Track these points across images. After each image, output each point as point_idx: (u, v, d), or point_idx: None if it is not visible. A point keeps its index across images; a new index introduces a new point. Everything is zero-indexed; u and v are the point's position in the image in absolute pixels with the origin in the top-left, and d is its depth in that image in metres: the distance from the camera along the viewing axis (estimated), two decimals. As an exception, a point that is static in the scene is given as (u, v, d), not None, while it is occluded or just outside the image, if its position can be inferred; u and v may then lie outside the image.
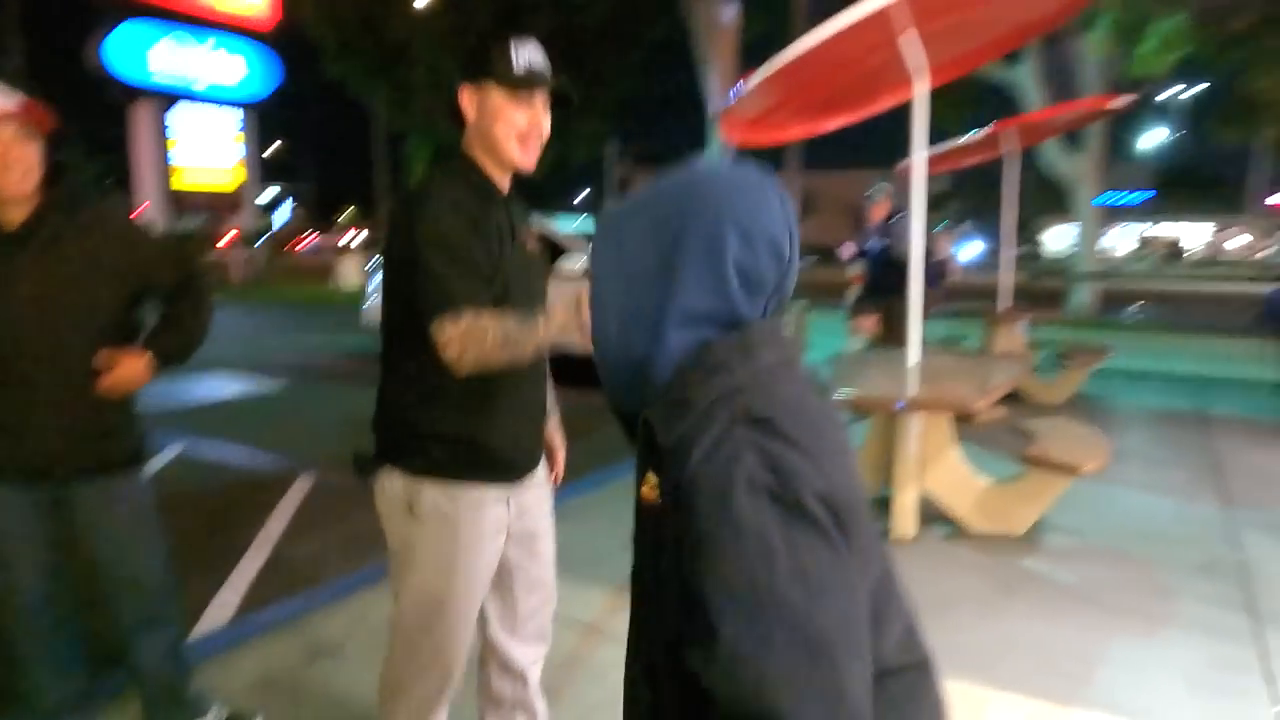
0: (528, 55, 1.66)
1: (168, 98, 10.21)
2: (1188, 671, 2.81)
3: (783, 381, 0.88)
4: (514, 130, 1.67)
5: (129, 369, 2.02)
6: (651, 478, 0.88)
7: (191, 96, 11.45)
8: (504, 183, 1.76)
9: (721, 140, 14.92)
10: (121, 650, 2.22)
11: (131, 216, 2.39)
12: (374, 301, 9.41)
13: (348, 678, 2.75)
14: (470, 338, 1.53)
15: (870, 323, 7.11)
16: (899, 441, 3.91)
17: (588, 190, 58.13)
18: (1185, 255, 47.47)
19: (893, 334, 6.95)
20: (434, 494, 1.73)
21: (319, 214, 65.11)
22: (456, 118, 1.74)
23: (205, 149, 19.70)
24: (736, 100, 3.77)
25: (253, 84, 20.70)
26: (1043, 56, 14.32)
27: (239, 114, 20.92)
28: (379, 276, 7.52)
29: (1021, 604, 3.32)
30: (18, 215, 1.96)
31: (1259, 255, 45.79)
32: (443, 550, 1.75)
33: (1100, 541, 4.02)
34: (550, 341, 1.62)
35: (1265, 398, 7.66)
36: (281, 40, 20.70)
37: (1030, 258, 34.84)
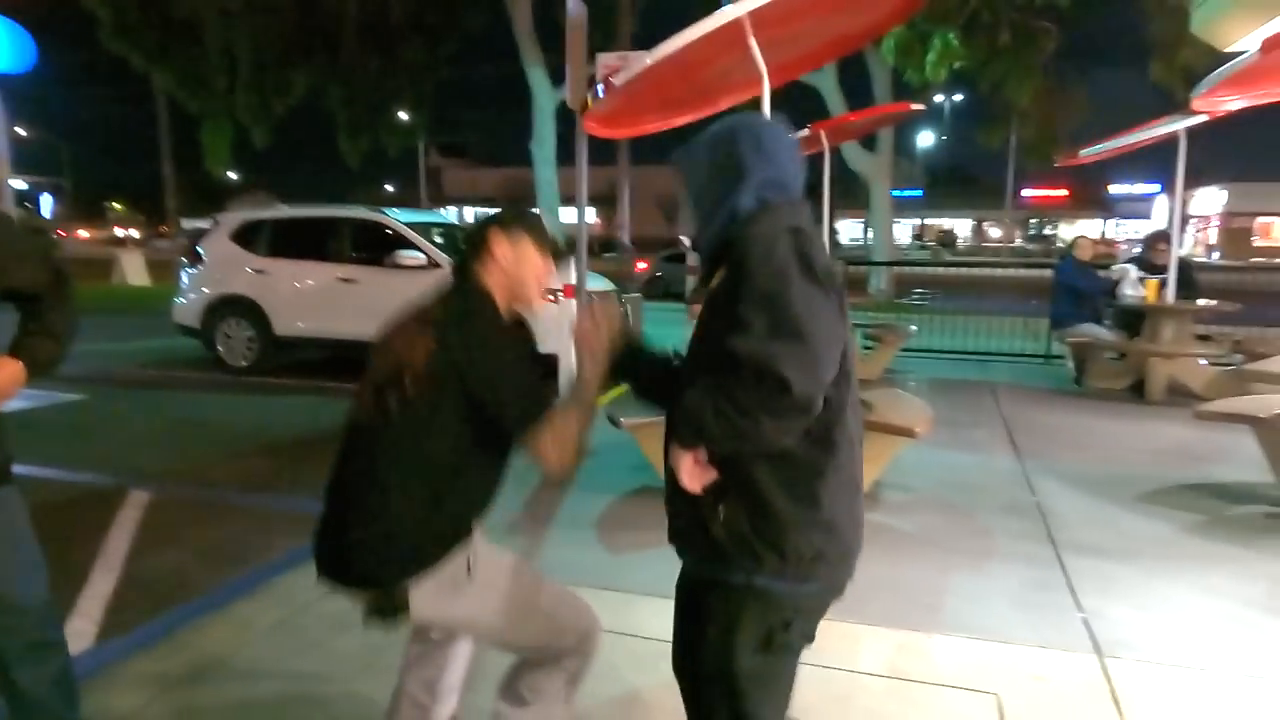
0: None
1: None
2: (1012, 593, 3.33)
3: (809, 224, 1.50)
4: (542, 281, 1.90)
5: (1, 378, 1.86)
6: (719, 273, 1.53)
7: None
8: None
9: (550, 132, 15.01)
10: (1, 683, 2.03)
11: None
12: (189, 299, 8.69)
13: (241, 689, 2.65)
14: (555, 438, 1.75)
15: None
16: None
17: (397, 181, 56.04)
18: (956, 242, 53.32)
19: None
20: (478, 548, 1.83)
21: (85, 207, 58.15)
22: (476, 250, 1.86)
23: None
24: (600, 98, 3.92)
25: (2, 61, 18.17)
26: (841, 65, 15.61)
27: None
28: (193, 272, 6.97)
29: (877, 552, 3.72)
30: None
31: (1016, 243, 52.38)
32: (500, 575, 1.86)
33: (928, 494, 4.58)
34: (591, 396, 1.80)
35: (1038, 368, 8.90)
36: (40, 14, 18.31)
37: (831, 246, 37.72)
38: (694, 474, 1.50)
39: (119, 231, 52.77)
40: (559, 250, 1.89)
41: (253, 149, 18.79)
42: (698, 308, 6.00)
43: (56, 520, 4.17)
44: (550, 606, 1.89)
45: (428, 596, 1.74)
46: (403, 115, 20.73)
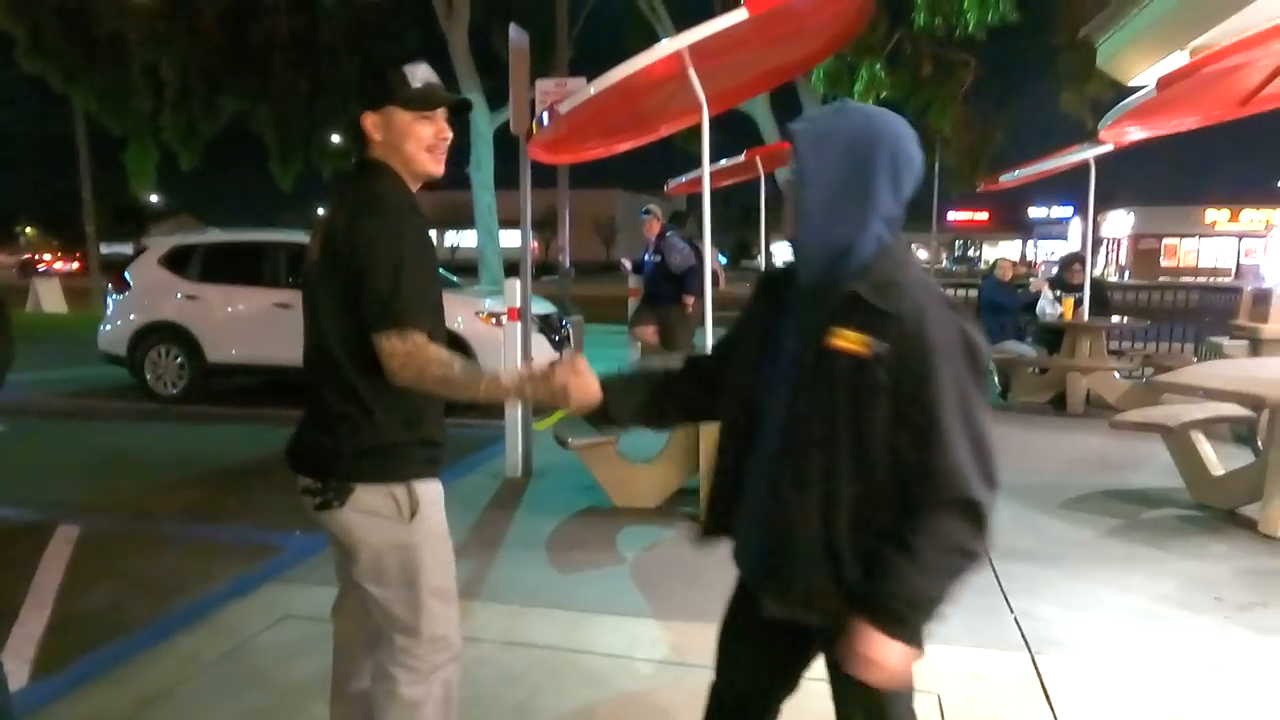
0: (423, 75, 1.79)
1: None
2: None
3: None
4: (423, 144, 1.78)
5: None
6: (854, 334, 1.30)
7: None
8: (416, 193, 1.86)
9: (488, 156, 15.02)
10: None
11: None
12: (115, 326, 8.40)
13: (190, 720, 2.60)
14: (415, 359, 1.64)
15: (650, 331, 7.64)
16: (703, 433, 4.35)
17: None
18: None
19: (670, 340, 7.54)
20: (428, 493, 1.81)
21: (-5, 233, 55.55)
22: (358, 141, 1.81)
23: None
24: (544, 125, 4.01)
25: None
26: (773, 93, 16.08)
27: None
28: (120, 299, 6.84)
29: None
30: None
31: (942, 264, 54.19)
32: (441, 543, 1.86)
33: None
34: (490, 400, 1.73)
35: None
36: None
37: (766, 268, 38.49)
38: (906, 663, 1.37)
39: (32, 257, 50.48)
40: (438, 99, 1.80)
41: (178, 171, 18.30)
42: (641, 329, 6.13)
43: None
44: (437, 594, 1.86)
45: (362, 507, 1.76)
46: (335, 138, 20.47)
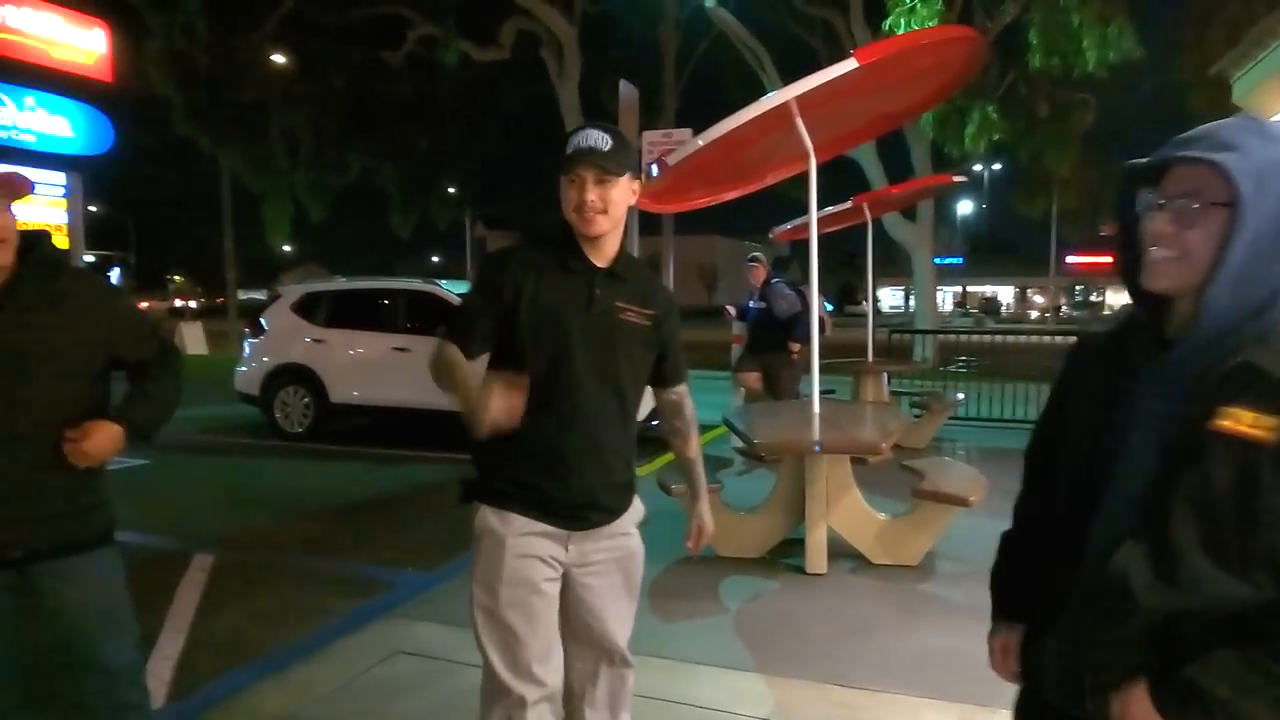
0: (579, 140, 1.91)
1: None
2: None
3: None
4: (570, 206, 1.93)
5: (101, 439, 1.95)
6: (1251, 414, 1.03)
7: (12, 151, 10.92)
8: (593, 252, 1.99)
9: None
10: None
11: (108, 285, 2.32)
12: (250, 367, 9.01)
13: (306, 750, 2.70)
14: (434, 353, 2.00)
15: (754, 378, 7.59)
16: (809, 483, 4.27)
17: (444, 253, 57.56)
18: (1000, 308, 52.78)
19: (773, 388, 7.46)
20: (489, 516, 1.98)
21: (147, 281, 60.75)
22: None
23: (26, 212, 18.04)
24: (652, 176, 4.11)
25: (79, 143, 19.33)
26: (880, 137, 15.94)
27: (61, 176, 19.41)
28: (255, 342, 7.31)
29: (927, 623, 3.69)
30: None
31: (1061, 310, 51.68)
32: (490, 564, 1.97)
33: (981, 565, 4.46)
34: (453, 400, 1.95)
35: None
36: (116, 100, 19.51)
37: (874, 314, 37.77)
38: None
39: (178, 302, 54.82)
40: (567, 164, 1.94)
41: (308, 223, 19.64)
42: (745, 376, 6.09)
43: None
44: (484, 632, 1.97)
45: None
46: (451, 189, 21.53)
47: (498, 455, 1.97)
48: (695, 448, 2.27)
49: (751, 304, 7.76)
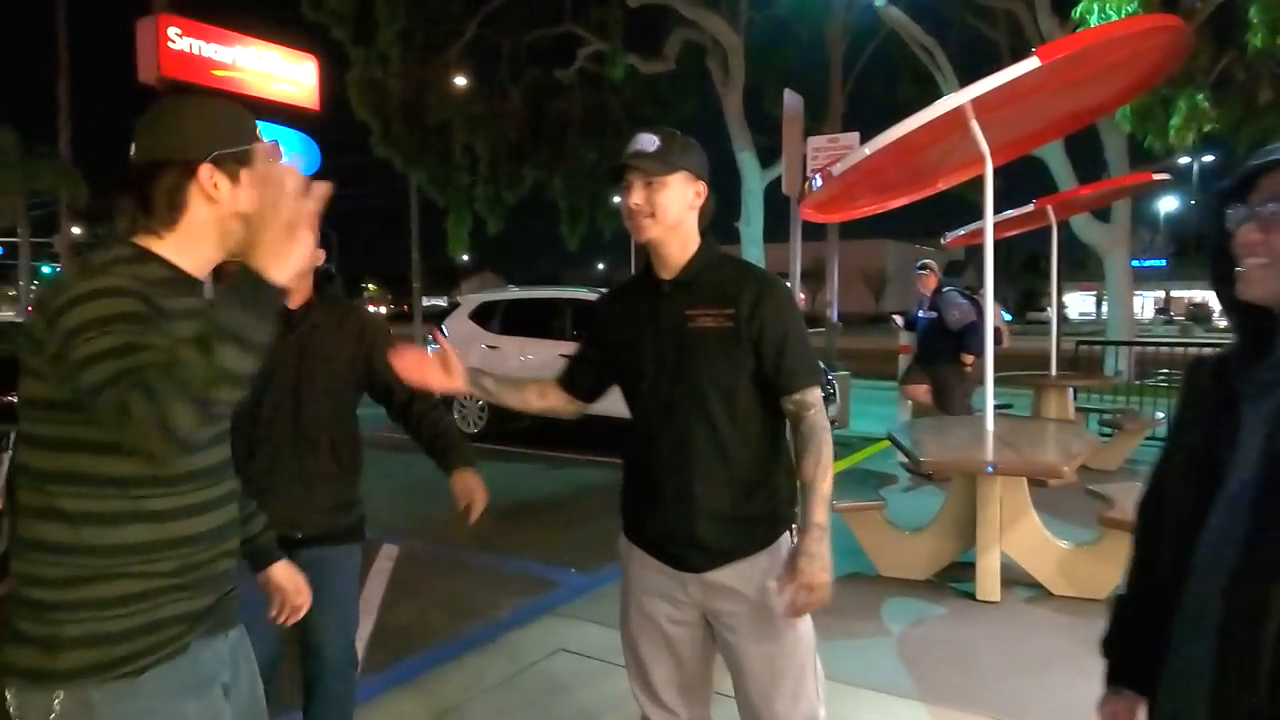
0: (628, 146, 1.81)
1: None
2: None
3: None
4: (624, 215, 1.85)
5: (480, 497, 2.35)
6: None
7: None
8: (659, 265, 1.85)
9: (758, 211, 15.36)
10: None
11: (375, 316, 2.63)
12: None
13: (476, 735, 2.87)
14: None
15: (922, 391, 7.27)
16: (981, 505, 4.04)
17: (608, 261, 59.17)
18: (1211, 316, 47.40)
19: (943, 402, 7.11)
20: (621, 539, 1.99)
21: (345, 288, 66.76)
22: None
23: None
24: (817, 186, 4.05)
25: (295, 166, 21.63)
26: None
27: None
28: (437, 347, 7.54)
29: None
30: (292, 300, 2.18)
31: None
32: (623, 588, 2.00)
33: (1182, 604, 4.08)
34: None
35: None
36: (319, 125, 21.65)
37: (1059, 322, 35.04)
38: None
39: (369, 309, 59.97)
40: (616, 170, 1.82)
41: (486, 234, 20.82)
42: (913, 388, 5.85)
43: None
44: (622, 645, 1.99)
45: None
46: (616, 199, 22.12)
47: (623, 480, 1.96)
48: (813, 469, 1.73)
49: (921, 313, 7.45)
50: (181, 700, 1.29)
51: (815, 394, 1.79)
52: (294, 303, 2.20)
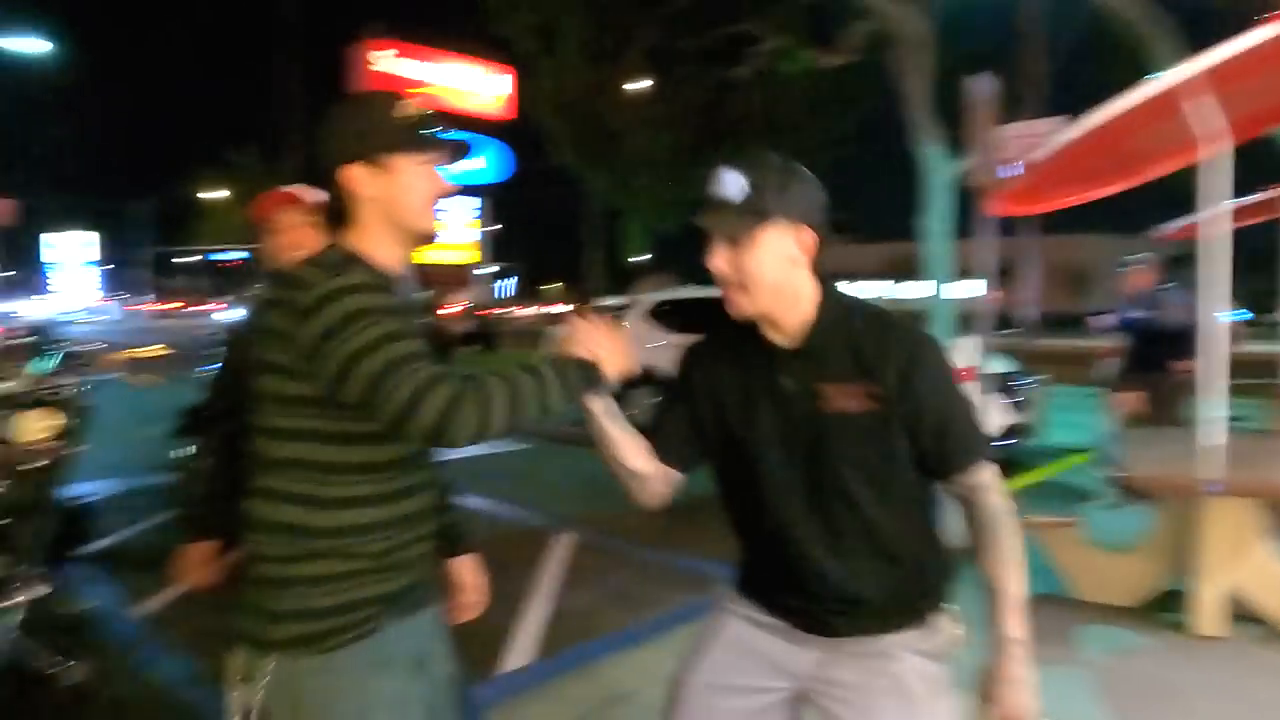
0: (707, 187, 1.52)
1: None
2: None
3: None
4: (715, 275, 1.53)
5: None
6: None
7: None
8: (771, 328, 1.52)
9: (945, 205, 14.60)
10: None
11: None
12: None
13: (644, 725, 2.93)
14: None
15: (1133, 399, 6.60)
16: (1201, 529, 3.61)
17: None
18: None
19: (1160, 412, 6.42)
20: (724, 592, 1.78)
21: (528, 288, 70.25)
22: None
23: (448, 230, 22.21)
24: (1012, 176, 3.78)
25: (490, 173, 23.12)
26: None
27: (476, 200, 23.43)
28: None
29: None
30: None
31: None
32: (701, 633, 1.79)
33: None
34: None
35: None
36: (509, 133, 22.96)
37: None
38: None
39: (547, 309, 62.63)
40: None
41: (661, 235, 21.18)
42: (1121, 396, 5.31)
43: (501, 551, 5.02)
44: None
45: None
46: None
47: (740, 547, 1.72)
48: (998, 566, 1.46)
49: (1132, 313, 6.76)
50: (373, 678, 1.35)
51: (986, 472, 1.48)
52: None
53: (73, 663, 3.16)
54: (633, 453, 1.61)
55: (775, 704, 1.58)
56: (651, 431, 1.63)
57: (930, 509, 1.59)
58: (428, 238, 1.46)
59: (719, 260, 1.46)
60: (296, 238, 2.23)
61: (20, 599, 2.85)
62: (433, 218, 1.45)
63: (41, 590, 3.32)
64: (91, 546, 4.70)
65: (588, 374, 1.38)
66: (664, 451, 1.62)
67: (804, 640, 1.56)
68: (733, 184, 1.43)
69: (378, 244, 1.41)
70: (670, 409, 1.64)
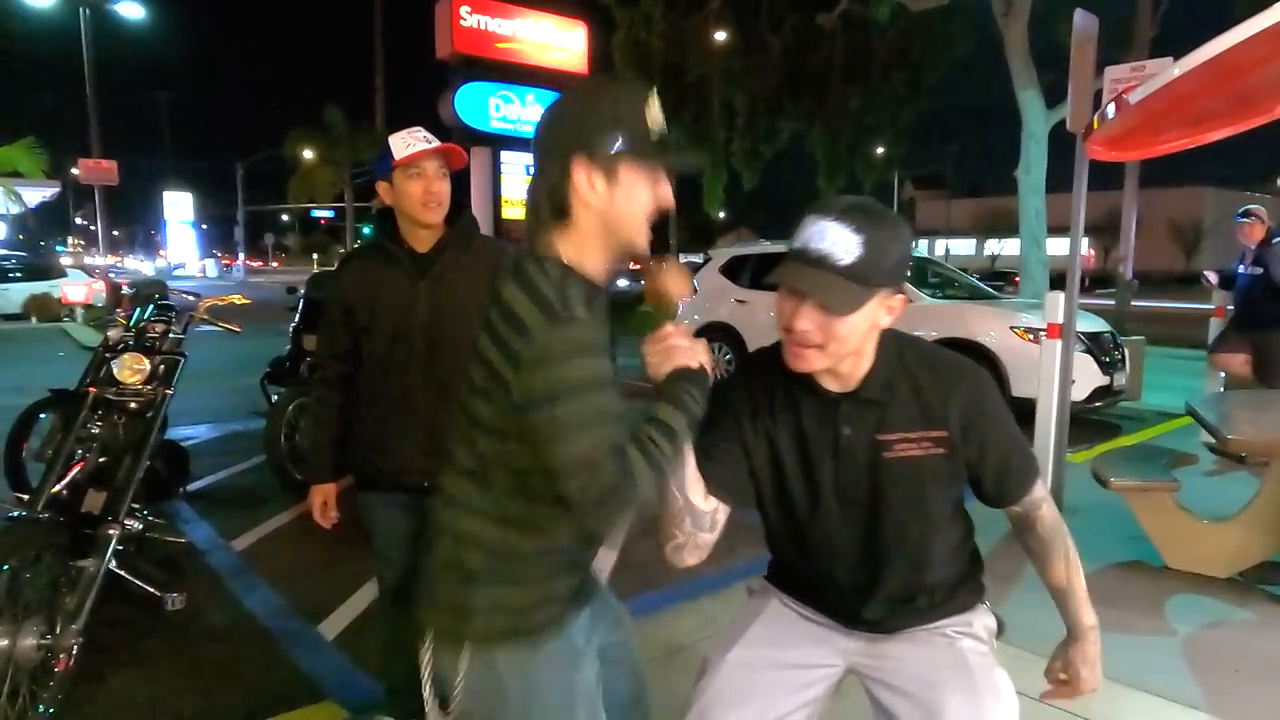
0: (807, 236, 1.34)
1: (500, 141, 12.07)
2: None
3: None
4: (780, 322, 1.42)
5: None
6: None
7: (517, 140, 13.49)
8: (827, 376, 1.46)
9: (1041, 158, 13.85)
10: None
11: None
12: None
13: (706, 675, 2.94)
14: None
15: (1239, 361, 6.20)
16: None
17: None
18: None
19: (1265, 372, 6.03)
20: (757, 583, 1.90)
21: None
22: None
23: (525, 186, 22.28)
24: (1109, 118, 3.52)
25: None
26: None
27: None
28: (689, 301, 7.83)
29: None
30: (424, 243, 2.23)
31: None
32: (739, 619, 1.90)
33: None
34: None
35: None
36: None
37: None
38: None
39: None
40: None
41: (741, 190, 20.81)
42: (1226, 357, 5.02)
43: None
44: None
45: None
46: (879, 150, 21.03)
47: (779, 560, 1.80)
48: (1063, 574, 1.55)
49: (1243, 269, 6.31)
50: (572, 672, 1.38)
51: (1040, 488, 1.52)
52: (424, 246, 2.21)
53: (174, 594, 3.37)
54: (696, 488, 1.52)
55: (822, 679, 1.61)
56: (699, 463, 1.52)
57: (970, 521, 1.63)
58: (636, 253, 1.36)
59: (806, 323, 1.32)
60: (438, 188, 2.19)
61: (121, 532, 3.05)
62: (646, 233, 1.34)
63: (140, 526, 3.55)
64: (190, 486, 5.01)
65: (704, 385, 1.36)
66: (717, 484, 1.52)
67: (849, 632, 1.63)
68: (841, 242, 1.27)
69: (589, 252, 1.30)
70: (718, 445, 1.52)
